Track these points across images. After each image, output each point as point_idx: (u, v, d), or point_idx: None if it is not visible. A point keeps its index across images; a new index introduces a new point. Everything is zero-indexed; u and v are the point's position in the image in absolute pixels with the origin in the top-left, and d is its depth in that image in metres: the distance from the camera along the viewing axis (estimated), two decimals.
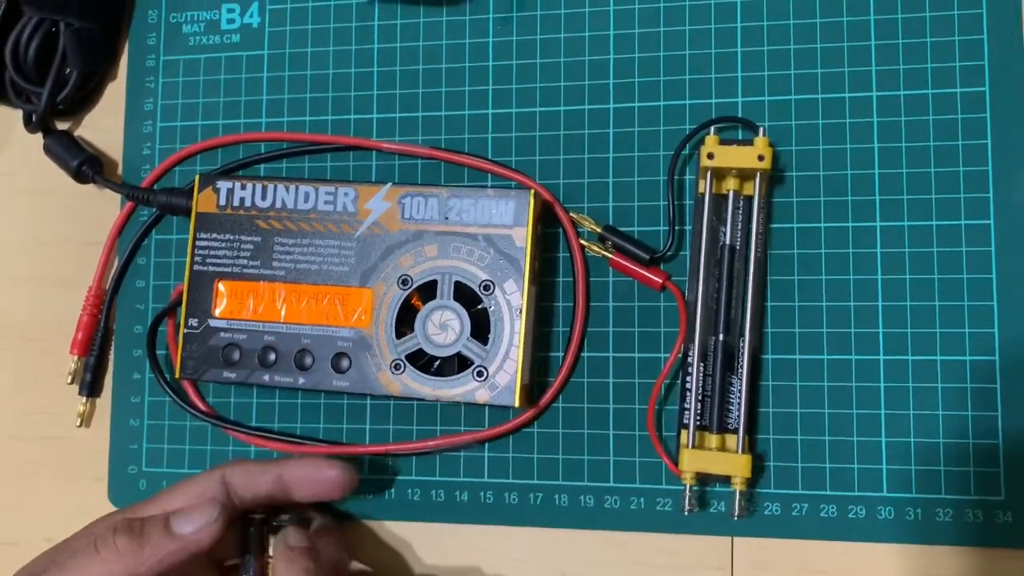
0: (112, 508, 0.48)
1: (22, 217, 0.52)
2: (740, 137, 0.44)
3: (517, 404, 0.42)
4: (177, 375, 0.45)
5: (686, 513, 0.41)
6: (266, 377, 0.44)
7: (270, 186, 0.45)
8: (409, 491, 0.46)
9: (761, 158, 0.41)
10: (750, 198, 0.43)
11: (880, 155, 0.43)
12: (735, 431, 0.42)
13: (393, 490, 0.46)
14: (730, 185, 0.43)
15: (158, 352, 0.48)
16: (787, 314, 0.43)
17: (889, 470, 0.42)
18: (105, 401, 0.49)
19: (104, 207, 0.51)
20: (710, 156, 0.42)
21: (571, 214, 0.45)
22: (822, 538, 0.42)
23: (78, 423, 0.49)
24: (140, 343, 0.49)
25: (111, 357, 0.50)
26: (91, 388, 0.49)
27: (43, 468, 0.50)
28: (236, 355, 0.44)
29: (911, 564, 0.41)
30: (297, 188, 0.45)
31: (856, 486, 0.42)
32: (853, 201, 0.43)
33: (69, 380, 0.49)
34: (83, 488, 0.49)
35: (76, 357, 0.49)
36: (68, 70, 0.50)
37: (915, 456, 0.42)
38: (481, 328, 0.43)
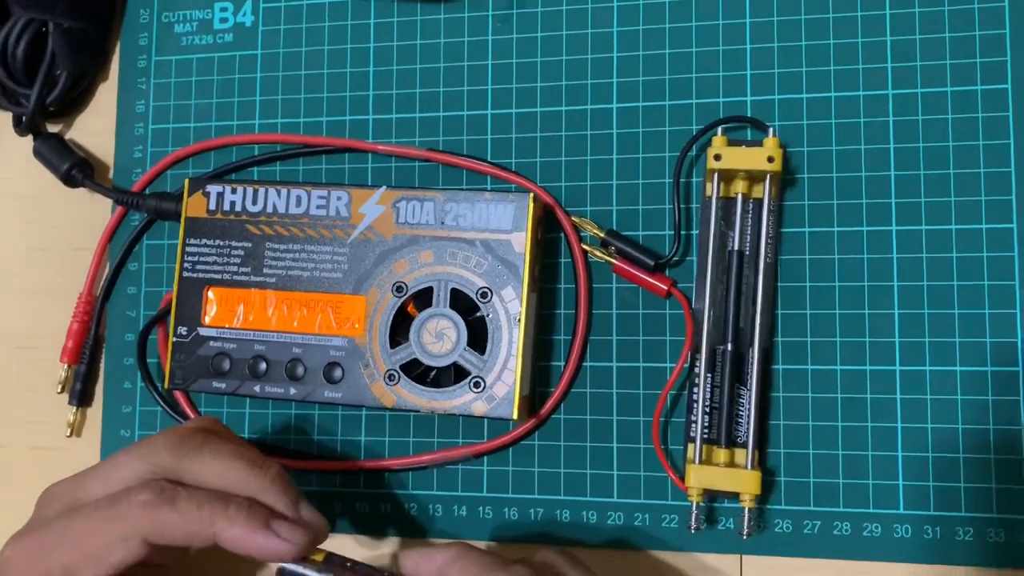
0: None
1: (11, 222, 0.51)
2: (749, 138, 0.43)
3: (515, 417, 0.40)
4: (166, 385, 0.44)
5: (692, 531, 0.40)
6: (256, 388, 0.42)
7: (261, 190, 0.43)
8: (406, 505, 0.44)
9: (771, 159, 0.39)
10: (759, 201, 0.41)
11: (896, 156, 0.41)
12: (744, 445, 0.40)
13: (389, 504, 0.44)
14: (739, 188, 0.41)
15: (149, 361, 0.47)
16: (799, 322, 0.42)
17: (906, 486, 0.40)
18: (96, 411, 0.48)
19: (95, 212, 0.49)
20: (717, 158, 0.40)
21: (573, 218, 0.43)
22: (835, 557, 0.40)
23: (68, 433, 0.48)
24: (131, 351, 0.47)
25: (102, 366, 0.48)
26: (81, 397, 0.48)
27: (33, 479, 0.48)
28: (226, 365, 0.43)
29: None
30: (289, 192, 0.43)
31: (871, 503, 0.40)
32: (868, 204, 0.42)
33: (59, 389, 0.48)
34: None
35: (66, 365, 0.48)
36: (58, 71, 0.48)
37: (933, 472, 0.40)
38: (478, 337, 0.41)
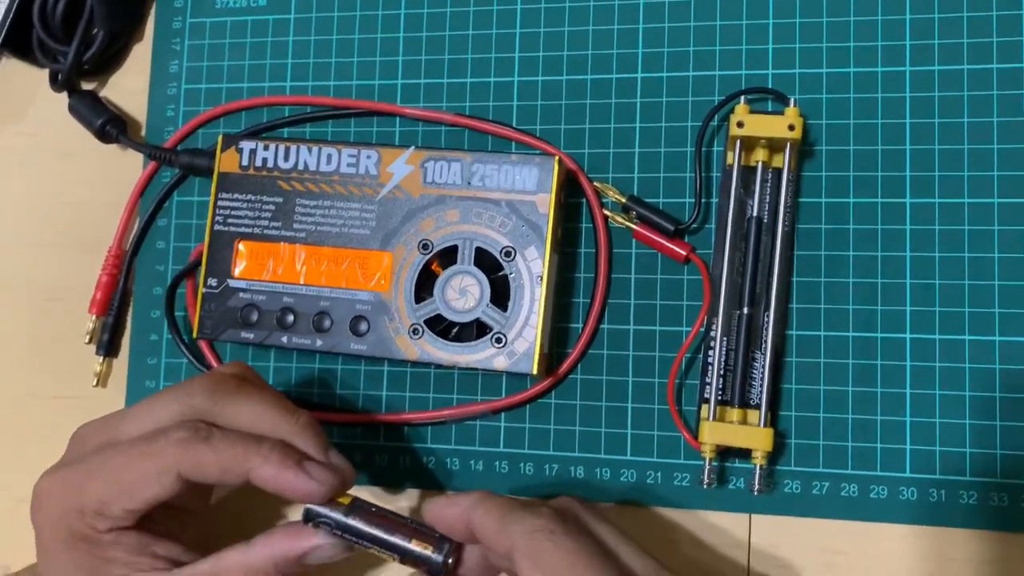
0: None
1: (46, 176, 0.52)
2: (770, 109, 0.44)
3: (535, 372, 0.41)
4: (195, 335, 0.45)
5: (705, 487, 0.41)
6: (284, 338, 0.44)
7: (293, 147, 0.44)
8: (424, 458, 0.45)
9: (792, 127, 0.40)
10: (779, 170, 0.42)
11: (912, 131, 0.43)
12: (757, 406, 0.41)
13: (408, 457, 0.45)
14: (759, 156, 0.42)
15: (176, 314, 0.48)
16: (813, 289, 0.43)
17: (913, 450, 0.41)
18: (122, 362, 0.49)
19: (127, 168, 0.50)
20: (740, 124, 0.41)
21: (595, 184, 0.45)
22: (842, 518, 0.41)
23: (94, 383, 0.49)
24: (159, 304, 0.49)
25: (129, 318, 0.49)
26: (108, 348, 0.49)
27: (58, 427, 0.49)
28: (254, 316, 0.44)
29: (933, 547, 0.41)
30: (320, 150, 0.44)
31: (879, 466, 0.41)
32: (883, 177, 0.43)
33: (87, 340, 0.49)
34: None
35: (95, 317, 0.49)
36: (95, 30, 0.50)
37: (940, 437, 0.41)
38: (501, 295, 0.42)
